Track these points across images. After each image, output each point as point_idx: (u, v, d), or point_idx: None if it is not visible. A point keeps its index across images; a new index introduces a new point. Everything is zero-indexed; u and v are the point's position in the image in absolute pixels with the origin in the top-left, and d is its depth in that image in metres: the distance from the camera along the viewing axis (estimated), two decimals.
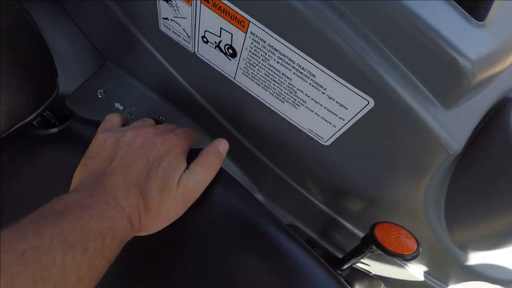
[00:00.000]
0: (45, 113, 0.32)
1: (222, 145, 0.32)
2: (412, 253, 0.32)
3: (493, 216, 0.35)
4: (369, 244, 0.37)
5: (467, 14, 0.24)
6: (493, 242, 0.38)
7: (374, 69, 0.25)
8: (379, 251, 0.35)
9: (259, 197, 0.60)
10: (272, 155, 0.48)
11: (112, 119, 0.31)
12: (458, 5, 0.24)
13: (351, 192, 0.42)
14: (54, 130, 0.33)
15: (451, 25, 0.23)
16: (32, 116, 0.28)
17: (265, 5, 0.26)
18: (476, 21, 0.24)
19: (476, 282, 0.43)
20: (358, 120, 0.29)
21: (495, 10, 0.25)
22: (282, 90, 0.32)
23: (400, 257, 0.32)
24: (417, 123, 0.27)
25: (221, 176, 0.32)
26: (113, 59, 0.53)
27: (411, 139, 0.28)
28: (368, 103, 0.27)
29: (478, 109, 0.29)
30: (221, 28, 0.31)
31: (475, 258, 0.42)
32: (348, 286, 0.29)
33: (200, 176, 0.28)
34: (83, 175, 0.26)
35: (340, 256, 0.56)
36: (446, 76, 0.24)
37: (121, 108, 0.52)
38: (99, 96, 0.52)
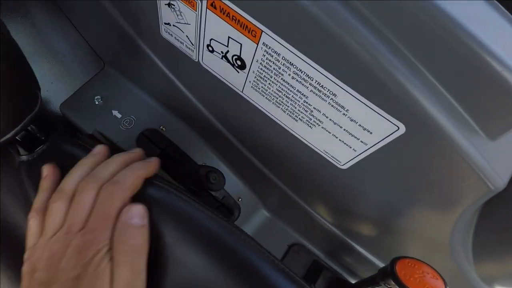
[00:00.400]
0: (29, 128, 0.29)
1: (138, 213, 0.26)
2: None
3: None
4: (387, 279, 0.33)
5: None
6: None
7: (409, 91, 0.21)
8: None
9: (264, 213, 0.56)
10: (280, 172, 0.44)
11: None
12: None
13: (367, 218, 0.38)
14: (24, 157, 0.29)
15: (505, 41, 0.19)
16: (10, 134, 0.25)
17: (281, 14, 0.22)
18: None
19: None
20: (384, 145, 0.26)
21: None
22: (296, 107, 0.29)
23: None
24: (455, 153, 0.23)
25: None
26: (112, 63, 0.50)
27: (446, 170, 0.24)
28: (398, 129, 0.23)
29: None
30: (229, 37, 0.27)
31: None
32: None
33: (127, 275, 0.24)
34: None
35: (350, 280, 0.52)
36: (496, 103, 0.20)
37: (119, 116, 0.48)
38: (96, 103, 0.49)
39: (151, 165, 0.29)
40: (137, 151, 0.32)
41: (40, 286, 0.24)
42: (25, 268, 0.25)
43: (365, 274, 0.46)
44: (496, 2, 0.20)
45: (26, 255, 0.26)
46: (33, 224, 0.27)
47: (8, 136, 0.25)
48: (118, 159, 0.29)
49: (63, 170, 0.30)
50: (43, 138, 0.30)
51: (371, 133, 0.25)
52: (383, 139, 0.25)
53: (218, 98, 0.37)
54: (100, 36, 0.46)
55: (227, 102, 0.36)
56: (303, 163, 0.36)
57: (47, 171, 0.28)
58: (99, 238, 0.24)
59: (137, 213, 0.26)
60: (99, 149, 0.30)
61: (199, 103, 0.42)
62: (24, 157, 0.28)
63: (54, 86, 0.49)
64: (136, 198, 0.27)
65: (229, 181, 0.52)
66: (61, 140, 0.32)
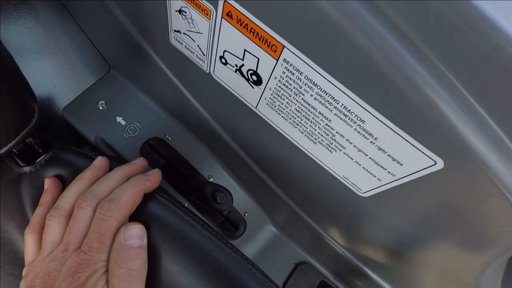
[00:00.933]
0: (27, 141, 0.26)
1: (136, 235, 0.24)
2: None
3: None
4: None
5: None
6: None
7: (451, 122, 0.19)
8: None
9: (271, 229, 0.53)
10: (291, 191, 0.42)
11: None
12: None
13: (385, 246, 0.35)
14: (27, 169, 0.27)
15: None
16: (5, 149, 0.23)
17: (308, 28, 0.19)
18: None
19: None
20: (414, 179, 0.23)
21: None
22: (315, 130, 0.26)
23: None
24: (499, 193, 0.20)
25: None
26: (118, 67, 0.47)
27: (488, 208, 0.22)
28: (435, 163, 0.21)
29: None
30: (245, 50, 0.24)
31: None
32: None
33: None
34: None
35: None
36: None
37: (123, 123, 0.46)
38: (100, 108, 0.47)
39: (152, 179, 0.27)
40: (139, 163, 0.30)
41: None
42: (22, 285, 0.24)
43: None
44: None
45: (24, 272, 0.25)
46: (29, 240, 0.26)
47: (4, 150, 0.22)
48: (118, 173, 0.28)
49: (66, 181, 0.28)
50: (40, 150, 0.28)
51: (401, 165, 0.22)
52: (415, 173, 0.22)
53: (229, 111, 0.34)
54: (107, 39, 0.44)
55: (238, 117, 0.34)
56: (319, 185, 0.33)
57: (48, 184, 0.27)
58: (95, 258, 0.23)
59: (135, 234, 0.24)
60: (99, 162, 0.29)
61: (208, 114, 0.39)
62: (26, 169, 0.27)
63: (57, 89, 0.47)
64: (135, 214, 0.25)
65: (236, 194, 0.50)
66: (64, 150, 0.30)
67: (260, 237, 0.52)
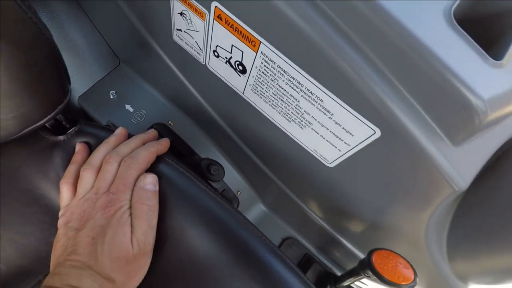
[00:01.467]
0: (57, 117, 0.33)
1: (151, 182, 0.31)
2: (409, 283, 0.31)
3: (499, 253, 0.34)
4: (366, 269, 0.36)
5: (484, 52, 0.23)
6: (496, 277, 0.37)
7: (384, 101, 0.25)
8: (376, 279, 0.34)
9: (261, 207, 0.60)
10: (276, 169, 0.48)
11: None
12: (475, 43, 0.23)
13: (353, 214, 0.41)
14: (61, 137, 0.34)
15: (467, 63, 0.23)
16: (43, 121, 0.29)
17: (277, 28, 0.26)
18: (493, 60, 0.23)
19: None
20: (363, 147, 0.29)
21: None
22: (289, 110, 0.32)
23: (395, 287, 0.31)
24: (423, 157, 0.26)
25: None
26: (127, 61, 0.54)
27: (417, 172, 0.28)
28: (375, 133, 0.27)
29: (488, 147, 0.28)
30: (232, 45, 0.31)
31: None
32: None
33: (145, 227, 0.29)
34: (52, 259, 0.29)
35: (338, 273, 0.55)
36: (457, 114, 0.24)
37: (131, 110, 0.53)
38: (111, 97, 0.53)
39: (163, 144, 0.35)
40: (152, 132, 0.38)
41: (73, 231, 0.29)
42: (60, 221, 0.30)
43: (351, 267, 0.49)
44: (457, 25, 0.23)
45: (61, 213, 0.31)
46: (65, 189, 0.32)
47: (43, 121, 0.29)
48: (136, 139, 0.35)
49: (92, 148, 0.35)
50: (68, 126, 0.35)
51: (353, 135, 0.29)
52: (363, 141, 0.28)
53: (222, 97, 0.41)
54: (118, 36, 0.51)
55: (230, 102, 0.40)
56: (296, 160, 0.39)
57: (79, 147, 0.34)
58: (121, 198, 0.30)
59: (151, 181, 0.31)
60: (120, 131, 0.36)
61: (205, 102, 0.45)
62: (60, 137, 0.33)
63: (73, 80, 0.54)
64: (149, 170, 0.32)
65: (230, 175, 0.56)
66: (89, 124, 0.36)
67: (251, 214, 0.58)
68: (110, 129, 0.35)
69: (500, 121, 0.26)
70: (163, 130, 0.52)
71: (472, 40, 0.23)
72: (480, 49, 0.23)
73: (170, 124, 0.53)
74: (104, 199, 0.29)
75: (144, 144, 0.34)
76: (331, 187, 0.39)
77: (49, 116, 0.29)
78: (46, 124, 0.33)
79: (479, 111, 0.23)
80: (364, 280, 0.53)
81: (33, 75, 0.26)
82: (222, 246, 0.29)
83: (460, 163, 0.26)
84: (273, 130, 0.37)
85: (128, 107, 0.53)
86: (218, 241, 0.29)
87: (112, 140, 0.34)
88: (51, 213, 0.33)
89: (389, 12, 0.22)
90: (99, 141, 0.33)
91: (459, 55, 0.23)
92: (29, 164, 0.33)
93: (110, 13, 0.46)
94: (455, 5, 0.23)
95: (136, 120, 0.52)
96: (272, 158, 0.45)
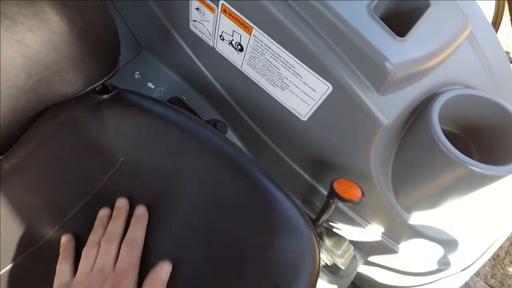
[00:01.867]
0: (105, 83, 0.46)
1: (164, 271, 0.33)
2: (358, 198, 0.44)
3: (423, 183, 0.47)
4: (332, 197, 0.49)
5: (393, 33, 0.36)
6: (428, 203, 0.50)
7: (332, 65, 0.38)
8: (339, 202, 0.47)
9: None
10: (267, 130, 0.61)
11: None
12: (387, 27, 0.36)
13: (324, 160, 0.54)
14: (105, 96, 0.47)
15: (381, 39, 0.36)
16: (100, 82, 0.42)
17: (264, 18, 0.39)
18: (399, 37, 0.37)
19: (419, 239, 0.56)
20: (324, 100, 0.42)
21: (415, 30, 0.38)
22: (273, 77, 0.45)
23: (350, 202, 0.45)
24: (360, 103, 0.39)
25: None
26: (149, 48, 0.67)
27: (357, 115, 0.41)
28: (329, 87, 0.40)
29: (407, 97, 0.41)
30: (233, 30, 0.44)
31: (417, 218, 0.54)
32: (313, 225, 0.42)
33: None
34: None
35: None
36: (378, 72, 0.37)
37: (152, 87, 0.66)
38: (136, 77, 0.66)
39: (145, 218, 0.38)
40: (123, 205, 0.39)
41: None
42: None
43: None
44: (375, 16, 0.36)
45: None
46: (64, 266, 0.35)
47: (100, 82, 0.42)
48: (120, 216, 0.38)
49: (125, 112, 0.47)
50: (111, 88, 0.48)
51: (315, 91, 0.42)
52: (322, 95, 0.42)
53: (225, 72, 0.54)
54: (143, 27, 0.64)
55: (231, 75, 0.53)
56: (281, 119, 0.53)
57: (64, 240, 0.37)
58: (129, 277, 0.33)
59: (167, 270, 0.34)
60: (103, 214, 0.39)
61: (212, 77, 0.59)
62: (105, 96, 0.46)
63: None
64: (172, 123, 0.45)
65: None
66: (125, 90, 0.49)
67: None
68: (140, 94, 0.48)
69: (411, 79, 0.39)
70: (177, 103, 0.66)
71: (385, 25, 0.36)
72: (390, 31, 0.36)
73: (183, 98, 0.66)
74: (113, 278, 0.32)
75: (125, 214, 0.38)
76: (306, 138, 0.52)
77: (105, 79, 0.42)
78: (97, 88, 0.46)
79: (390, 71, 0.36)
80: (339, 226, 0.66)
81: (100, 48, 0.39)
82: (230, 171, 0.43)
83: (385, 106, 0.39)
84: (263, 95, 0.50)
85: (150, 84, 0.66)
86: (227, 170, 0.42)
87: (102, 223, 0.38)
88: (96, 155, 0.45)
89: (333, 7, 0.35)
90: (132, 102, 0.46)
91: (376, 34, 0.36)
92: (84, 116, 0.46)
93: (138, 9, 0.60)
94: (373, 4, 0.36)
95: (156, 94, 0.66)
96: (263, 120, 0.58)
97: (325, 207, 0.53)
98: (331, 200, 0.50)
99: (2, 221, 0.42)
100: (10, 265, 0.40)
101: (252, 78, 0.49)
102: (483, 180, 0.40)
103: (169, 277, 0.34)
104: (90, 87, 0.44)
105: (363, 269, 0.79)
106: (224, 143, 0.43)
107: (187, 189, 0.41)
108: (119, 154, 0.44)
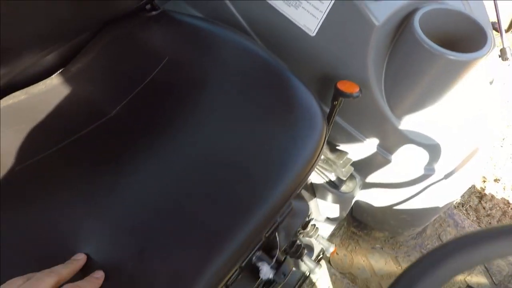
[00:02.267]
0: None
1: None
2: (357, 92, 0.55)
3: (410, 84, 0.58)
4: (337, 97, 0.60)
5: None
6: (416, 105, 0.61)
7: None
8: (343, 100, 0.58)
9: None
10: (280, 54, 0.72)
11: None
12: None
13: (327, 75, 0.65)
14: (154, 13, 0.59)
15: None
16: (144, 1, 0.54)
17: None
18: None
19: (408, 145, 0.66)
20: (328, 12, 0.53)
21: None
22: None
23: (350, 96, 0.55)
24: (356, 7, 0.50)
25: None
26: None
27: (355, 22, 0.52)
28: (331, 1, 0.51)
29: (394, 4, 0.52)
30: None
31: (407, 124, 0.64)
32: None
33: None
34: None
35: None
36: None
37: None
38: None
39: (98, 283, 0.36)
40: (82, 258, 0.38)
41: None
42: None
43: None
44: None
45: None
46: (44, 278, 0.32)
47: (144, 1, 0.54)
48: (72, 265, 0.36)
49: (171, 25, 0.59)
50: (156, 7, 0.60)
51: (322, 3, 0.53)
52: (328, 6, 0.53)
53: (248, 3, 0.65)
54: None
55: (252, 5, 0.64)
56: (295, 39, 0.63)
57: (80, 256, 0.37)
58: None
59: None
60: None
61: (236, 11, 0.70)
62: (153, 13, 0.58)
63: None
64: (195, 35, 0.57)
65: None
66: (169, 10, 0.61)
67: None
68: (182, 13, 0.60)
69: None
70: None
71: None
72: None
73: None
74: None
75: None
76: (315, 54, 0.63)
77: None
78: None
79: None
80: (341, 147, 0.77)
81: None
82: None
83: (375, 11, 0.50)
84: (279, 17, 0.61)
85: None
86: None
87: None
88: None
89: None
90: (176, 17, 0.58)
91: None
92: (135, 29, 0.57)
93: None
94: None
95: None
96: (277, 43, 0.69)
97: (331, 112, 0.64)
98: (335, 103, 0.61)
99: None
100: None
101: (270, 2, 0.60)
102: (458, 67, 0.51)
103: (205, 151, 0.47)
104: (139, 4, 0.55)
105: (361, 196, 0.91)
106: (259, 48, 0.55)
107: (220, 80, 0.53)
108: (166, 54, 0.55)
